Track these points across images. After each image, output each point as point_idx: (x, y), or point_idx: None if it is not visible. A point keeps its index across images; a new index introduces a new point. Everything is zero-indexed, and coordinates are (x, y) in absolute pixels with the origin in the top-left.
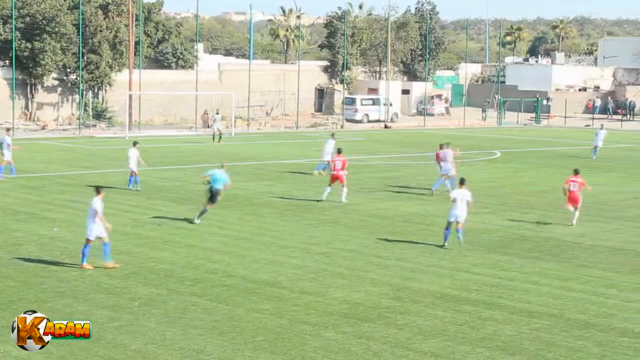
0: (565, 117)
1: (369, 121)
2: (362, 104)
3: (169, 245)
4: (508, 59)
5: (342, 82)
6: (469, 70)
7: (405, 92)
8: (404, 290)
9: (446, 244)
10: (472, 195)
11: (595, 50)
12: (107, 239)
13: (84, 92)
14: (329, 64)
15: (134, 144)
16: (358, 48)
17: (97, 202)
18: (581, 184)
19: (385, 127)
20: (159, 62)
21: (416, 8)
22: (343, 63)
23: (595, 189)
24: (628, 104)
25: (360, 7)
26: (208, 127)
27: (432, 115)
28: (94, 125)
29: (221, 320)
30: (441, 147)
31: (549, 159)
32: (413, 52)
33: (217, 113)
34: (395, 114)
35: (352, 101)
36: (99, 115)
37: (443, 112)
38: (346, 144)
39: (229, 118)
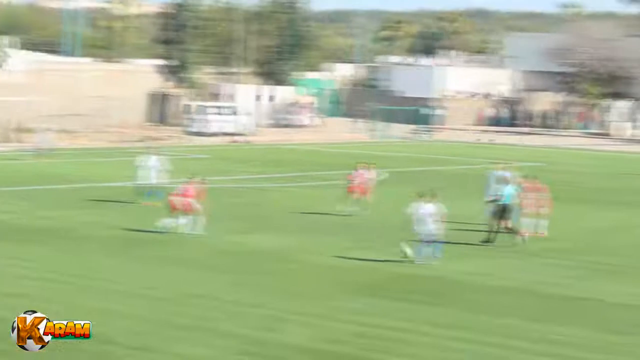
0: (456, 130)
1: (219, 134)
2: (209, 113)
3: None
4: (393, 59)
5: (185, 85)
6: (343, 73)
7: (261, 98)
8: (263, 344)
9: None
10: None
11: (491, 47)
12: None
13: None
14: (166, 63)
15: None
16: (204, 44)
17: None
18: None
19: (235, 142)
20: None
21: None
22: (185, 62)
23: None
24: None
25: None
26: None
27: (295, 127)
28: None
29: None
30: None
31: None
32: (271, 50)
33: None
34: (250, 125)
35: (197, 109)
36: None
37: (309, 124)
38: (186, 163)
39: (38, 131)
